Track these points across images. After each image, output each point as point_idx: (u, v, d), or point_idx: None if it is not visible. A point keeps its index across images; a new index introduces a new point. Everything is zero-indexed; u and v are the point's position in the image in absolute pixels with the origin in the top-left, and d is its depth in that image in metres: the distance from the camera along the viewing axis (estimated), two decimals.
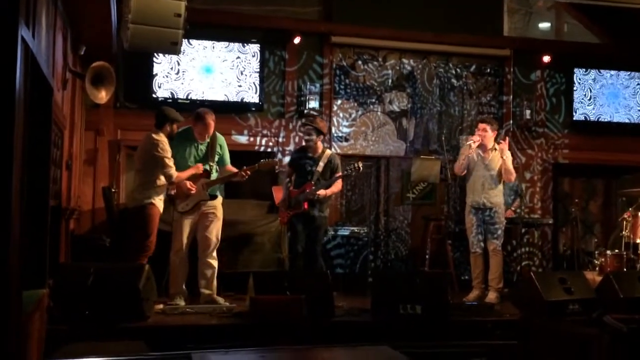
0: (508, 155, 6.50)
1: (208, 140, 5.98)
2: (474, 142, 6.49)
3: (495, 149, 6.53)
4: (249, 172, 5.91)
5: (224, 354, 1.97)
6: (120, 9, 5.50)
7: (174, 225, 5.90)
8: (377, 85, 8.42)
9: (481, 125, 6.61)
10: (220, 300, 5.85)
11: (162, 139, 5.65)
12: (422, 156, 8.32)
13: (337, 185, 6.56)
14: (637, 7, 6.81)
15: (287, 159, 7.45)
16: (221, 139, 6.12)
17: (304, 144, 6.63)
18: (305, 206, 6.33)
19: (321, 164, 6.42)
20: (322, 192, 6.36)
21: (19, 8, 3.16)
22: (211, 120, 5.90)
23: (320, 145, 6.57)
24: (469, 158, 6.53)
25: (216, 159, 6.03)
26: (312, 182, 6.37)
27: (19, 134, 3.21)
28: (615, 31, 9.10)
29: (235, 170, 6.00)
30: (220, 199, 6.06)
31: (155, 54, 7.39)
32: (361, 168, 6.51)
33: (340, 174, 6.51)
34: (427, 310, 5.35)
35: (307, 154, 6.53)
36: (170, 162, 5.62)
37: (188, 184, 5.75)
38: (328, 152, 6.61)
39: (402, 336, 4.99)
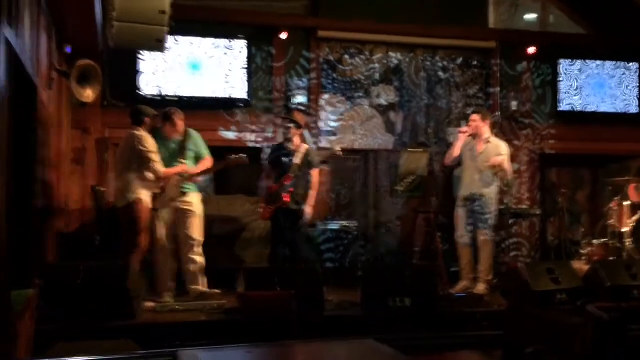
0: (507, 166, 6.48)
1: (179, 138, 6.00)
2: (462, 132, 6.56)
3: (489, 142, 6.55)
4: (213, 169, 6.08)
5: (210, 350, 1.98)
6: (104, 7, 5.48)
7: (153, 224, 5.89)
8: (364, 79, 8.43)
9: (471, 117, 6.69)
10: (211, 292, 5.86)
11: (145, 134, 5.67)
12: (410, 149, 8.35)
13: (316, 179, 6.68)
14: None
15: None
16: (194, 135, 6.12)
17: (287, 136, 6.65)
18: (286, 199, 6.38)
19: (298, 157, 6.49)
20: (309, 209, 6.55)
21: (0, 7, 3.16)
22: (179, 120, 5.95)
23: (298, 138, 6.65)
24: (463, 149, 6.57)
25: (191, 155, 6.04)
26: (291, 175, 6.43)
27: (3, 133, 3.21)
28: (600, 21, 9.15)
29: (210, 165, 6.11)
30: (196, 195, 6.08)
31: (140, 51, 7.36)
32: (341, 153, 6.58)
33: (315, 169, 6.64)
34: (417, 303, 5.39)
35: (284, 148, 6.59)
36: (156, 157, 5.63)
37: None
38: (305, 146, 6.73)
39: (392, 329, 5.02)
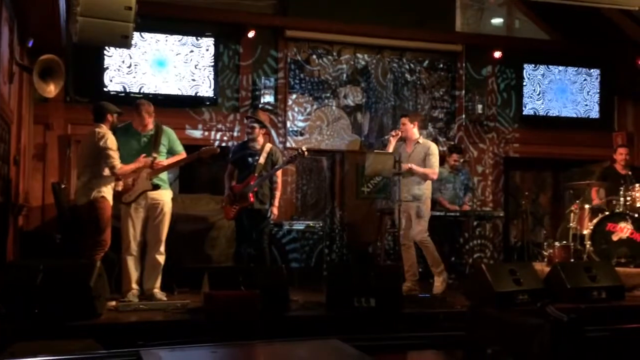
0: (416, 168, 6.57)
1: (151, 132, 5.94)
2: (392, 136, 6.72)
3: (419, 142, 6.66)
4: (186, 161, 6.02)
5: (173, 350, 1.96)
6: (68, 1, 5.39)
7: (122, 221, 5.81)
8: (331, 80, 8.45)
9: (401, 120, 6.84)
10: (161, 295, 5.82)
11: (106, 131, 5.59)
12: (375, 151, 8.38)
13: (280, 179, 6.73)
14: (584, 4, 6.99)
15: None
16: (168, 131, 6.07)
17: (246, 138, 6.66)
18: (252, 199, 6.37)
19: (263, 156, 6.49)
20: (275, 210, 6.58)
21: None
22: (144, 110, 5.89)
23: (261, 138, 6.66)
24: (395, 152, 6.68)
25: (163, 150, 5.98)
26: (256, 175, 6.41)
27: None
28: (564, 28, 9.33)
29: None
30: (169, 193, 6.01)
31: (106, 47, 7.26)
32: (306, 152, 6.57)
33: (280, 168, 6.65)
34: (381, 303, 5.42)
35: (248, 147, 6.59)
36: (114, 154, 5.54)
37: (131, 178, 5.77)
38: (269, 145, 6.72)
39: (356, 329, 5.04)
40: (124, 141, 5.86)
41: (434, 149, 6.69)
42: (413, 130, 6.73)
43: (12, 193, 5.79)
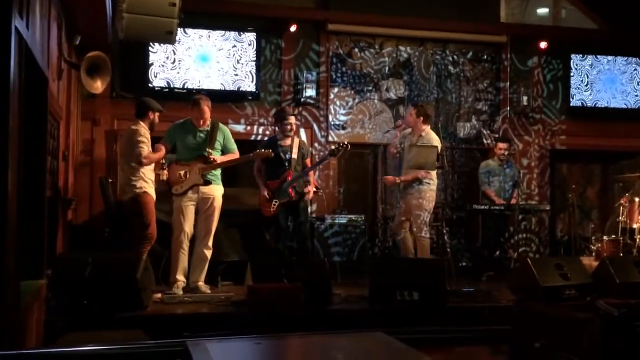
0: (403, 179, 6.69)
1: (208, 128, 6.01)
2: (397, 126, 6.70)
3: (422, 135, 6.58)
4: (240, 161, 6.12)
5: (219, 341, 1.98)
6: None
7: (174, 214, 5.92)
8: (373, 73, 8.40)
9: (409, 110, 6.84)
10: (205, 288, 5.88)
11: (141, 128, 5.71)
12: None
13: (309, 164, 6.77)
14: None
15: None
16: (224, 129, 6.16)
17: (289, 133, 6.61)
18: (292, 194, 6.38)
19: (294, 151, 6.50)
20: (310, 189, 6.63)
21: None
22: (205, 106, 5.98)
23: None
24: (402, 143, 6.66)
25: (218, 146, 6.05)
26: (291, 170, 6.43)
27: (14, 125, 3.22)
28: (612, 17, 9.08)
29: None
30: (220, 189, 6.07)
31: (150, 43, 7.37)
32: (349, 146, 6.54)
33: (309, 160, 6.73)
34: (425, 297, 5.38)
35: (278, 144, 6.55)
36: (143, 145, 5.63)
37: (182, 171, 5.85)
38: (297, 139, 6.72)
39: (399, 323, 5.02)
40: (181, 136, 5.98)
41: (437, 142, 6.61)
42: (419, 123, 6.64)
43: (61, 187, 5.93)
